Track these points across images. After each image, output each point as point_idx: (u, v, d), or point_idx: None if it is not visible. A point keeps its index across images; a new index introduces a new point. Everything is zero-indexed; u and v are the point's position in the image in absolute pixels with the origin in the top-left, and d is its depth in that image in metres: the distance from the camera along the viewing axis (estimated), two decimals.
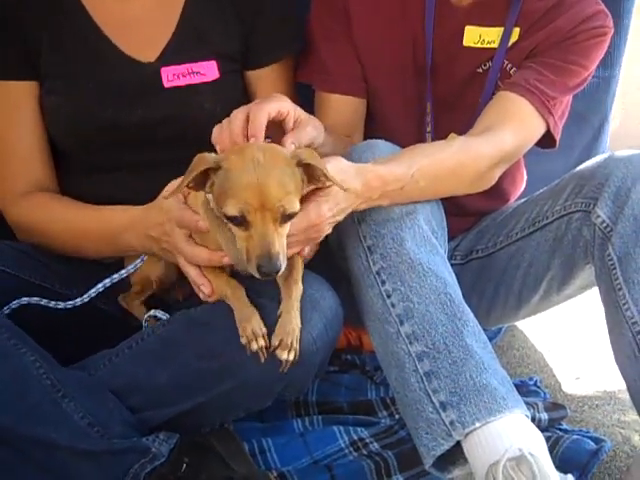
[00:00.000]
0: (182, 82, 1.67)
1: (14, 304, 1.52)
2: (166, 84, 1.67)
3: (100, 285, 1.55)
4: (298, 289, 1.39)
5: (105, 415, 1.41)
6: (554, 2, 1.65)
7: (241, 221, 1.23)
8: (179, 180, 1.31)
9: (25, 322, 1.46)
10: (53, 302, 1.55)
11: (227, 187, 1.23)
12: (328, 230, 1.38)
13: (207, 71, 1.68)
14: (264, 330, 1.35)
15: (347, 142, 1.68)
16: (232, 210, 1.23)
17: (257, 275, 1.23)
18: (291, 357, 1.34)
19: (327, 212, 1.34)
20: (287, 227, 1.26)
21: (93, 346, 1.54)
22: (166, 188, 1.45)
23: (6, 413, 1.34)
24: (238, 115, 1.36)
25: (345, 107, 1.78)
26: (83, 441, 1.37)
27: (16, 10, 1.65)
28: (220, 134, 1.37)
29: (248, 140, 1.33)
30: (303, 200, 1.31)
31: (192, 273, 1.43)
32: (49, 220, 1.65)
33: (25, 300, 1.53)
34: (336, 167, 1.36)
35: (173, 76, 1.67)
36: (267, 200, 1.21)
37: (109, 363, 1.49)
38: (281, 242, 1.24)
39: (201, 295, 1.45)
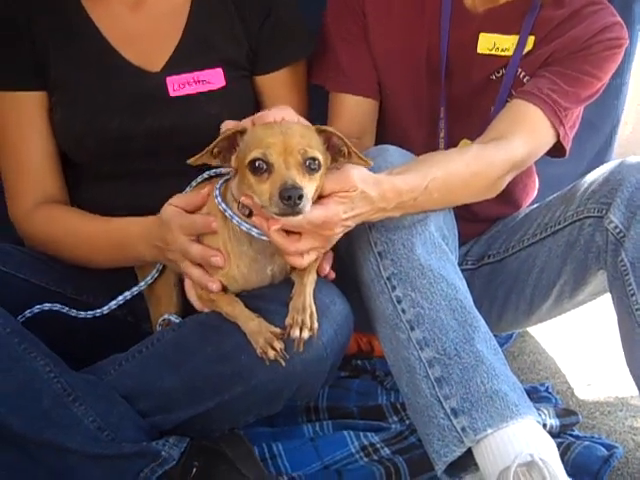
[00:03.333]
0: (188, 91, 1.67)
1: (36, 309, 1.53)
2: (172, 93, 1.67)
3: (121, 298, 1.56)
4: (311, 275, 1.41)
5: (115, 419, 1.41)
6: (570, 12, 1.65)
7: (263, 166, 1.26)
8: (199, 155, 1.35)
9: (36, 326, 1.46)
10: (74, 311, 1.56)
11: (252, 141, 1.29)
12: (339, 233, 1.37)
13: (213, 79, 1.68)
14: (276, 331, 1.36)
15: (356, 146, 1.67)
16: (255, 153, 1.26)
17: (280, 205, 1.23)
18: (305, 334, 1.35)
19: (342, 213, 1.34)
20: (315, 179, 1.28)
21: (104, 350, 1.54)
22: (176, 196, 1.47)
23: (17, 417, 1.34)
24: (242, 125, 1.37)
25: (358, 108, 1.78)
26: (93, 445, 1.37)
27: (26, 23, 1.65)
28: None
29: None
30: (324, 198, 1.33)
31: (195, 273, 1.44)
32: (61, 233, 1.66)
33: (47, 306, 1.54)
34: (360, 175, 1.36)
35: (179, 85, 1.67)
36: (289, 143, 1.25)
37: (119, 367, 1.49)
38: (304, 182, 1.25)
39: (196, 306, 1.48)
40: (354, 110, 1.78)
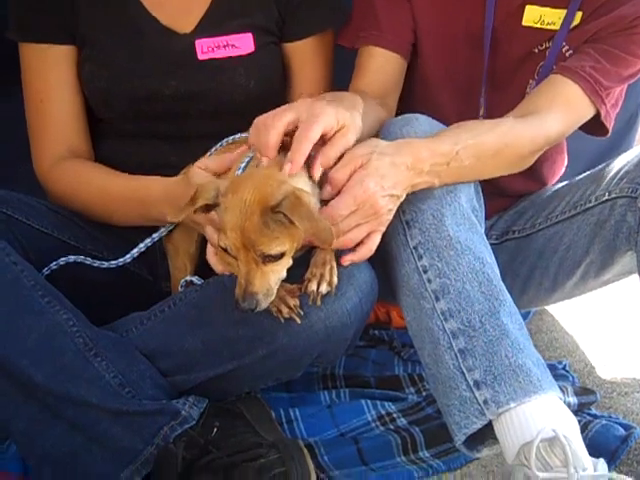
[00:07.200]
0: (216, 55, 1.67)
1: (61, 261, 1.53)
2: (200, 56, 1.66)
3: (142, 245, 1.54)
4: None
5: (136, 376, 1.42)
6: None
7: (231, 254, 1.26)
8: (187, 204, 1.30)
9: (57, 283, 1.46)
10: (97, 262, 1.55)
11: (221, 223, 1.26)
12: (387, 206, 1.34)
13: (242, 44, 1.67)
14: (291, 287, 1.34)
15: (381, 112, 1.65)
16: (222, 243, 1.27)
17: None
18: (322, 288, 1.33)
19: (374, 186, 1.30)
20: (280, 264, 1.26)
21: (123, 310, 1.55)
22: (197, 163, 1.45)
23: (39, 369, 1.35)
24: (275, 129, 1.28)
25: (387, 64, 1.75)
26: (114, 400, 1.37)
27: None
28: (257, 138, 1.31)
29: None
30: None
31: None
32: (83, 188, 1.66)
33: (72, 258, 1.54)
34: (365, 147, 1.34)
35: (208, 48, 1.66)
36: (248, 242, 1.23)
37: (141, 326, 1.49)
38: (264, 279, 1.25)
39: (217, 269, 1.44)
40: (382, 66, 1.75)
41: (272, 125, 1.29)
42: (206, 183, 1.30)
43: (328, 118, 1.29)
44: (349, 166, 1.32)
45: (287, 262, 1.27)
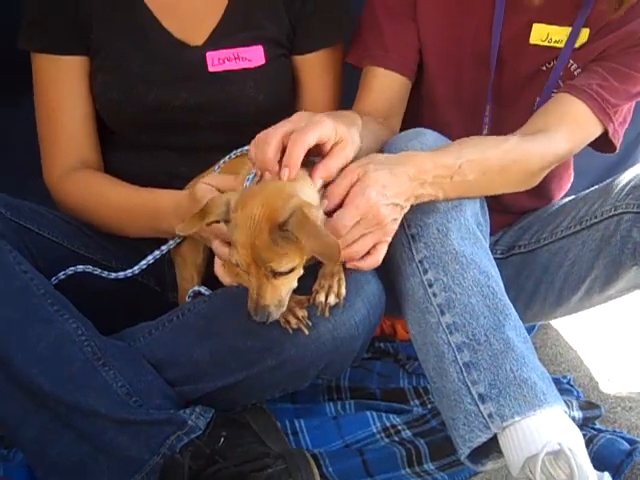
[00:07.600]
0: (227, 67, 1.68)
1: (69, 271, 1.54)
2: (211, 68, 1.68)
3: (150, 257, 1.55)
4: None
5: (143, 386, 1.42)
6: (626, 6, 1.61)
7: (242, 269, 1.27)
8: (194, 215, 1.30)
9: (65, 292, 1.47)
10: (106, 272, 1.56)
11: (232, 239, 1.27)
12: (390, 215, 1.33)
13: (253, 57, 1.69)
14: (299, 298, 1.35)
15: (381, 133, 1.64)
16: (234, 259, 1.27)
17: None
18: (331, 299, 1.34)
19: (375, 196, 1.29)
20: (291, 277, 1.26)
21: (130, 320, 1.56)
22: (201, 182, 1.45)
23: (48, 378, 1.36)
24: (272, 142, 1.27)
25: (391, 84, 1.75)
26: (121, 410, 1.38)
27: None
28: (255, 155, 1.30)
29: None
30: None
31: (226, 252, 1.38)
32: (94, 198, 1.67)
33: (80, 268, 1.55)
34: (365, 160, 1.34)
35: (218, 61, 1.67)
36: (258, 259, 1.23)
37: (149, 335, 1.50)
38: (275, 292, 1.25)
39: (224, 281, 1.43)
40: (387, 86, 1.75)
41: (267, 141, 1.27)
42: (217, 197, 1.29)
43: (326, 127, 1.29)
44: (346, 179, 1.31)
45: (298, 273, 1.27)
